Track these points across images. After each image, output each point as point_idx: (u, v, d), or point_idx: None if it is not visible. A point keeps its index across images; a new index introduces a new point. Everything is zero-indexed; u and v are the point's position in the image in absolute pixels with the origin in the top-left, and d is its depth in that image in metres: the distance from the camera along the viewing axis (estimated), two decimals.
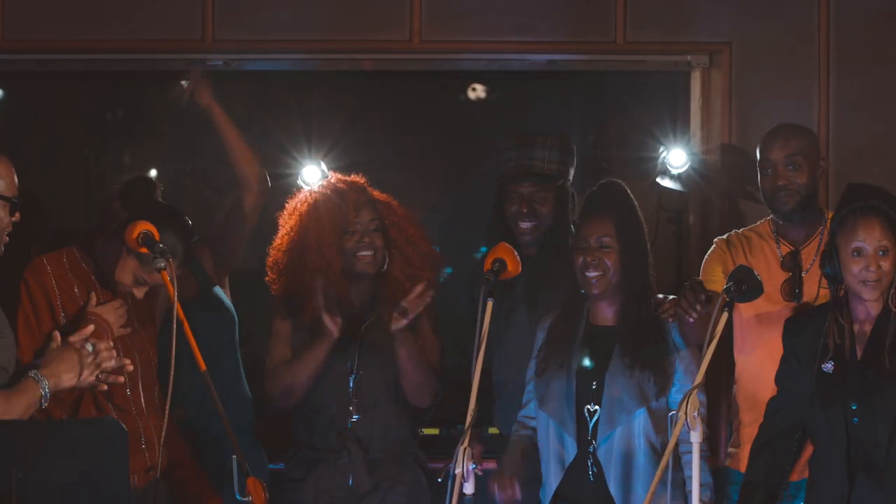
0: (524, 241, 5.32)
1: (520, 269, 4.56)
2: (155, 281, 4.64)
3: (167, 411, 4.41)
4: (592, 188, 5.00)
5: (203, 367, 4.41)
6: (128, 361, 4.47)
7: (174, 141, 7.48)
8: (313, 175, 5.96)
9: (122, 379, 4.40)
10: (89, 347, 4.24)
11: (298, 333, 5.21)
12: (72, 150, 7.51)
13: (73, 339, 4.28)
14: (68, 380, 4.20)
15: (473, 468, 4.20)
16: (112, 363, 4.33)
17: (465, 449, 4.17)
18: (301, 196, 5.30)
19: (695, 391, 4.17)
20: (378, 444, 5.20)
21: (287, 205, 5.30)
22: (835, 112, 6.06)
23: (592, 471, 4.80)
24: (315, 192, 5.27)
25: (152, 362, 4.88)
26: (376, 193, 5.31)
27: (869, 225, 4.49)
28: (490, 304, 4.38)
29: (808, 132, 5.21)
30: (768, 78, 6.09)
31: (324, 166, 6.16)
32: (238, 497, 4.31)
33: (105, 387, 4.39)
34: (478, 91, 7.57)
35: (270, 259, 5.26)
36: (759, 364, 5.01)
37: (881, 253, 4.48)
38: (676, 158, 6.12)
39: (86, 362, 4.23)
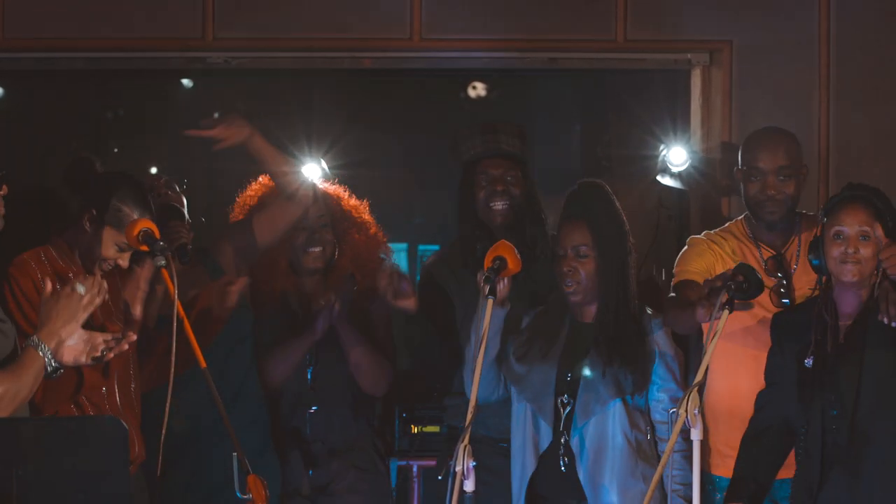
0: (497, 227, 5.34)
1: (520, 266, 4.57)
2: (132, 242, 4.63)
3: (167, 409, 4.41)
4: (571, 188, 5.01)
5: (203, 364, 4.42)
6: (131, 333, 4.43)
7: (176, 139, 7.48)
8: (314, 173, 5.96)
9: (126, 346, 4.36)
10: (80, 289, 4.18)
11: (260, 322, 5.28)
12: (72, 149, 7.50)
13: (63, 290, 4.20)
14: (68, 332, 4.11)
15: (474, 465, 4.21)
16: (104, 297, 4.25)
17: (465, 447, 4.18)
18: (250, 190, 5.33)
19: (695, 389, 4.18)
20: (337, 435, 5.29)
21: (238, 198, 5.34)
22: (835, 110, 6.07)
23: (564, 461, 4.84)
24: (263, 185, 5.31)
25: (130, 359, 4.86)
26: (325, 187, 5.35)
27: (852, 210, 4.53)
28: (490, 301, 4.40)
29: (793, 138, 5.16)
30: (769, 76, 6.09)
31: (324, 164, 6.17)
32: (238, 495, 4.32)
33: (111, 355, 4.33)
34: (478, 89, 7.56)
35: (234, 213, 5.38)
36: (734, 374, 5.00)
37: (862, 238, 4.51)
38: (677, 156, 6.13)
39: (81, 306, 4.15)
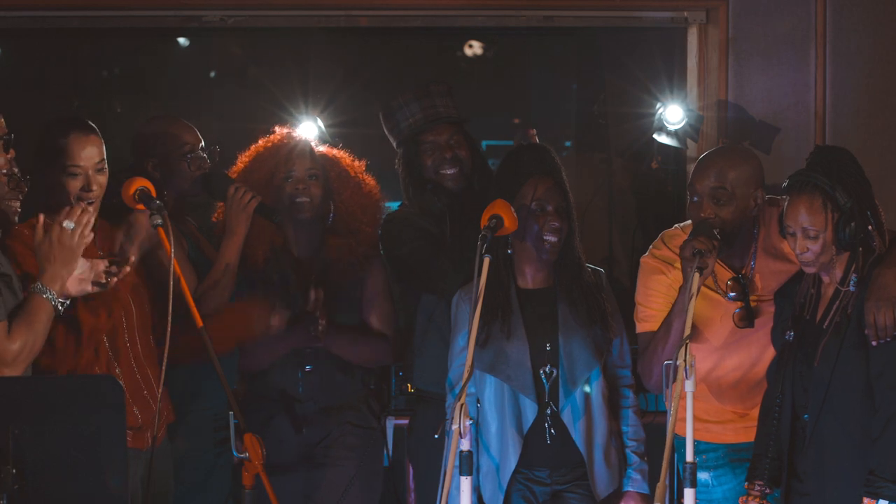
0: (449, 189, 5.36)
1: (517, 225, 4.57)
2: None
3: (163, 370, 4.42)
4: (524, 149, 5.09)
5: (200, 323, 4.42)
6: (130, 256, 4.46)
7: (171, 98, 7.48)
8: (310, 131, 5.95)
9: (127, 269, 4.38)
10: (69, 225, 4.20)
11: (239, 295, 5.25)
12: (67, 108, 7.49)
13: (53, 230, 4.22)
14: (69, 272, 4.18)
15: (471, 424, 4.24)
16: (92, 217, 4.27)
17: (461, 405, 4.19)
18: (244, 155, 5.33)
19: (688, 341, 4.24)
20: (331, 393, 5.29)
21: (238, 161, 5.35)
22: (832, 67, 6.06)
23: (550, 433, 4.82)
24: (259, 146, 5.32)
25: (147, 315, 4.84)
26: (323, 148, 5.37)
27: (796, 206, 4.44)
28: (487, 260, 4.40)
29: (746, 161, 4.81)
30: (765, 34, 6.08)
31: (320, 123, 6.16)
32: (235, 454, 4.34)
33: (115, 280, 4.35)
34: (475, 48, 7.55)
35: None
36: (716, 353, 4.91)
37: (809, 237, 4.42)
38: (673, 114, 6.12)
39: (75, 242, 4.20)
